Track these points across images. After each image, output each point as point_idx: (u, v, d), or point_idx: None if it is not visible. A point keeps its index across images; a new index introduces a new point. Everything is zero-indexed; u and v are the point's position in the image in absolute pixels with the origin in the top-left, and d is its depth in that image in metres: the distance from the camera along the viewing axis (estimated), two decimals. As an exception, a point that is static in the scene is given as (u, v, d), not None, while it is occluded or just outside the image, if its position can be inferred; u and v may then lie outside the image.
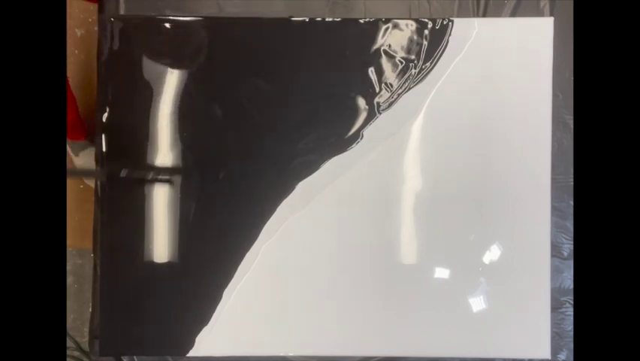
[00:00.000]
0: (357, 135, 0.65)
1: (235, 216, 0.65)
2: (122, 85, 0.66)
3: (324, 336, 0.65)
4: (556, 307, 0.65)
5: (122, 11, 0.67)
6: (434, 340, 0.65)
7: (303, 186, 0.65)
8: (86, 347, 0.72)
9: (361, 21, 0.65)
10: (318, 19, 0.66)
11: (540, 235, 0.65)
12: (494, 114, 0.65)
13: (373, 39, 0.65)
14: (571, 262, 0.65)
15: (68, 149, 0.74)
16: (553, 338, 0.65)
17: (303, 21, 0.66)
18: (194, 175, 0.65)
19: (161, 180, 0.62)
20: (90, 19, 0.76)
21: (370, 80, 0.65)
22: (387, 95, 0.65)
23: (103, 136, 0.66)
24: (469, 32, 0.65)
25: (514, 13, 0.66)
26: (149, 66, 0.65)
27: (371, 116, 0.65)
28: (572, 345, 0.65)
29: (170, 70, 0.65)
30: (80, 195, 0.77)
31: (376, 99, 0.65)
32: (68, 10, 0.74)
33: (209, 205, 0.65)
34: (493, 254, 0.65)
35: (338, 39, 0.65)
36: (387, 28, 0.65)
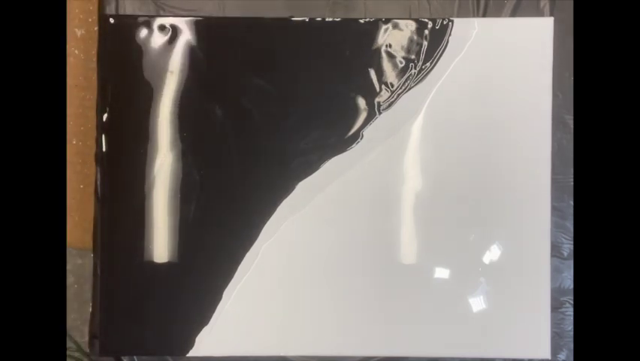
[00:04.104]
0: (357, 135, 0.65)
1: (235, 216, 0.65)
2: (122, 85, 0.66)
3: (324, 336, 0.65)
4: (556, 307, 0.65)
5: (122, 11, 0.67)
6: (434, 340, 0.65)
7: (303, 186, 0.65)
8: (85, 347, 0.72)
9: (361, 21, 0.65)
10: (318, 19, 0.66)
11: (540, 234, 0.65)
12: (494, 114, 0.65)
13: (373, 39, 0.65)
14: (571, 262, 0.65)
15: None
16: (553, 338, 0.65)
17: (303, 21, 0.66)
18: (194, 175, 0.65)
19: None
20: (90, 19, 0.76)
21: (370, 80, 0.65)
22: (387, 95, 0.65)
23: (103, 136, 0.66)
24: (469, 32, 0.65)
25: (514, 13, 0.66)
26: (149, 66, 0.65)
27: (371, 116, 0.65)
28: (572, 345, 0.65)
29: (170, 70, 0.65)
30: (80, 195, 0.77)
31: (376, 99, 0.65)
32: (68, 10, 0.74)
33: (209, 205, 0.65)
34: (493, 254, 0.65)
35: (338, 39, 0.65)
36: (387, 28, 0.65)
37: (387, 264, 0.65)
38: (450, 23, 0.65)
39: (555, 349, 0.65)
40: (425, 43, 0.65)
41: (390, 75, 0.65)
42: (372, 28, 0.65)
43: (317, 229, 0.65)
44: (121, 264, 0.65)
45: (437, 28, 0.65)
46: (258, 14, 0.66)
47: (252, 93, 0.65)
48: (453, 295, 0.65)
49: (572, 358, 0.65)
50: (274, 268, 0.65)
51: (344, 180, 0.65)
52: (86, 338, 0.68)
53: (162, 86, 0.65)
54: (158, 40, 0.66)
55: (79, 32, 0.76)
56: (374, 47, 0.65)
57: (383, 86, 0.65)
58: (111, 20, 0.66)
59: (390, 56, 0.65)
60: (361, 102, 0.65)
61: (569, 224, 0.66)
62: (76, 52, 0.76)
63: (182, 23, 0.66)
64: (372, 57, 0.65)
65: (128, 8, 0.67)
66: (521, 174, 0.65)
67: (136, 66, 0.65)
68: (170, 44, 0.66)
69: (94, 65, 0.68)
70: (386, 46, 0.65)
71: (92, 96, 0.72)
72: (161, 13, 0.67)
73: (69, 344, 0.76)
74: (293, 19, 0.66)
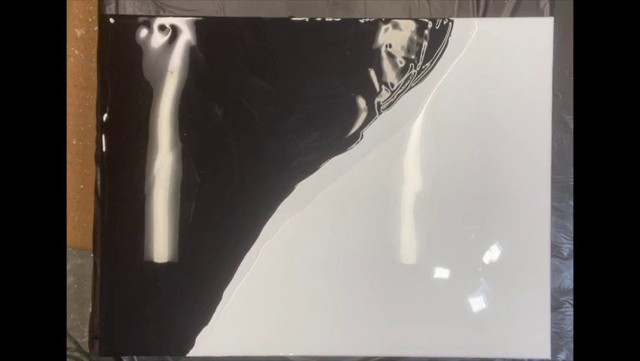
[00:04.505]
0: (357, 135, 0.65)
1: (235, 216, 0.65)
2: (122, 85, 0.66)
3: (324, 336, 0.65)
4: (556, 307, 0.65)
5: (122, 11, 0.67)
6: (434, 340, 0.65)
7: (303, 186, 0.65)
8: (86, 347, 0.72)
9: (361, 21, 0.65)
10: (318, 19, 0.66)
11: (540, 235, 0.65)
12: (494, 114, 0.65)
13: (373, 39, 0.65)
14: (571, 262, 0.65)
15: None
16: (553, 338, 0.65)
17: (303, 21, 0.66)
18: (194, 175, 0.65)
19: None
20: (90, 19, 0.76)
21: (370, 80, 0.65)
22: (387, 95, 0.65)
23: (103, 136, 0.66)
24: (469, 32, 0.65)
25: (514, 13, 0.66)
26: (149, 66, 0.65)
27: (371, 116, 0.65)
28: (571, 345, 0.65)
29: (170, 70, 0.65)
30: (79, 195, 0.77)
31: (376, 99, 0.65)
32: (68, 10, 0.74)
33: (209, 205, 0.65)
34: (493, 254, 0.65)
35: (338, 39, 0.65)
36: (387, 28, 0.65)
37: (387, 264, 0.65)
38: (450, 23, 0.65)
39: (555, 349, 0.65)
40: (425, 43, 0.65)
41: (390, 75, 0.65)
42: (372, 28, 0.65)
43: (317, 229, 0.65)
44: (121, 264, 0.65)
45: (437, 28, 0.65)
46: (258, 14, 0.66)
47: (252, 93, 0.65)
48: (453, 295, 0.65)
49: (571, 358, 0.65)
50: (274, 268, 0.65)
51: (344, 180, 0.65)
52: (86, 338, 0.68)
53: (162, 86, 0.65)
54: (158, 40, 0.66)
55: (79, 32, 0.76)
56: (374, 46, 0.65)
57: (383, 86, 0.65)
58: (111, 20, 0.66)
59: (391, 56, 0.65)
60: (361, 102, 0.65)
61: (569, 224, 0.66)
62: (77, 52, 0.76)
63: (182, 23, 0.66)
64: (372, 57, 0.65)
65: (128, 8, 0.67)
66: (521, 174, 0.65)
67: (136, 66, 0.65)
68: (170, 44, 0.66)
69: (94, 65, 0.68)
70: (386, 46, 0.65)
71: (92, 96, 0.72)
72: (161, 13, 0.67)
73: (69, 344, 0.76)
74: (293, 19, 0.66)
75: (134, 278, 0.65)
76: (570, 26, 0.65)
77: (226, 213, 0.65)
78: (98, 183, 0.66)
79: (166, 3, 0.67)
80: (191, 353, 0.65)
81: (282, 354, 0.65)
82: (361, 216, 0.65)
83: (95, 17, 0.69)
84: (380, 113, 0.65)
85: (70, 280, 0.78)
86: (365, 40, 0.65)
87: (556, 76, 0.65)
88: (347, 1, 0.66)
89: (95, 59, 0.67)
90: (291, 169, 0.65)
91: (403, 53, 0.65)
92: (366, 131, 0.65)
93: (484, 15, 0.66)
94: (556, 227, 0.65)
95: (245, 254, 0.65)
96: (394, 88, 0.65)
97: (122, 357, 0.66)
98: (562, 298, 0.66)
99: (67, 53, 0.75)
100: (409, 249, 0.65)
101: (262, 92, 0.65)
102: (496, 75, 0.65)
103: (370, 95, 0.65)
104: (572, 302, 0.65)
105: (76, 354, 0.76)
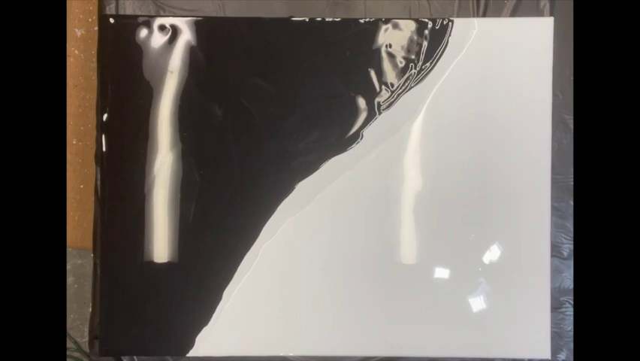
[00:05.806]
0: (357, 135, 0.65)
1: (235, 216, 0.65)
2: (122, 85, 0.66)
3: (324, 336, 0.65)
4: (556, 307, 0.65)
5: (122, 11, 0.67)
6: (434, 340, 0.65)
7: (302, 186, 0.65)
8: (85, 347, 0.72)
9: (361, 21, 0.65)
10: (318, 19, 0.66)
11: (540, 235, 0.65)
12: (494, 114, 0.65)
13: (373, 39, 0.65)
14: (571, 262, 0.65)
15: None
16: (553, 338, 0.65)
17: (303, 21, 0.66)
18: (194, 175, 0.65)
19: None
20: (90, 19, 0.76)
21: (370, 80, 0.65)
22: (387, 95, 0.65)
23: (103, 136, 0.66)
24: (469, 32, 0.65)
25: (514, 13, 0.66)
26: (149, 66, 0.65)
27: (371, 116, 0.65)
28: (571, 345, 0.65)
29: (170, 70, 0.65)
30: (79, 195, 0.77)
31: (376, 99, 0.65)
32: (68, 10, 0.74)
33: (209, 205, 0.65)
34: (493, 254, 0.65)
35: (338, 39, 0.65)
36: (387, 28, 0.65)
37: (387, 264, 0.65)
38: (450, 23, 0.65)
39: (555, 349, 0.65)
40: (425, 43, 0.65)
41: (390, 75, 0.65)
42: (372, 28, 0.65)
43: (317, 229, 0.65)
44: (121, 264, 0.65)
45: (437, 28, 0.65)
46: (258, 14, 0.66)
47: (252, 93, 0.65)
48: (453, 295, 0.65)
49: (571, 358, 0.65)
50: (274, 269, 0.65)
51: (344, 180, 0.65)
52: (86, 338, 0.68)
53: (162, 86, 0.65)
54: (158, 40, 0.66)
55: (79, 32, 0.76)
56: (374, 46, 0.65)
57: (383, 86, 0.65)
58: (111, 20, 0.66)
59: (391, 56, 0.65)
60: (361, 102, 0.65)
61: (569, 224, 0.66)
62: (77, 52, 0.76)
63: (182, 23, 0.66)
64: (372, 57, 0.65)
65: (128, 8, 0.67)
66: (521, 174, 0.65)
67: (136, 66, 0.65)
68: (170, 44, 0.66)
69: (94, 65, 0.68)
70: (386, 46, 0.65)
71: (92, 96, 0.71)
72: (161, 13, 0.67)
73: (69, 344, 0.76)
74: (293, 19, 0.66)
75: (134, 278, 0.65)
76: (570, 26, 0.65)
77: (226, 213, 0.65)
78: (98, 183, 0.66)
79: (166, 3, 0.67)
80: (191, 353, 0.65)
81: (282, 354, 0.65)
82: (361, 216, 0.65)
83: (95, 17, 0.69)
84: (380, 113, 0.65)
85: (70, 280, 0.78)
86: (365, 40, 0.65)
87: (556, 76, 0.65)
88: (347, 1, 0.66)
89: (95, 59, 0.67)
90: (291, 169, 0.65)
91: (403, 53, 0.65)
92: (366, 131, 0.65)
93: (484, 15, 0.66)
94: (556, 227, 0.65)
95: (245, 254, 0.65)
96: (394, 88, 0.65)
97: (122, 357, 0.66)
98: (562, 298, 0.66)
99: (67, 53, 0.75)
100: (409, 249, 0.65)
101: (262, 92, 0.65)
102: (496, 75, 0.65)
103: (370, 95, 0.65)
104: (572, 302, 0.65)
105: (76, 354, 0.76)
